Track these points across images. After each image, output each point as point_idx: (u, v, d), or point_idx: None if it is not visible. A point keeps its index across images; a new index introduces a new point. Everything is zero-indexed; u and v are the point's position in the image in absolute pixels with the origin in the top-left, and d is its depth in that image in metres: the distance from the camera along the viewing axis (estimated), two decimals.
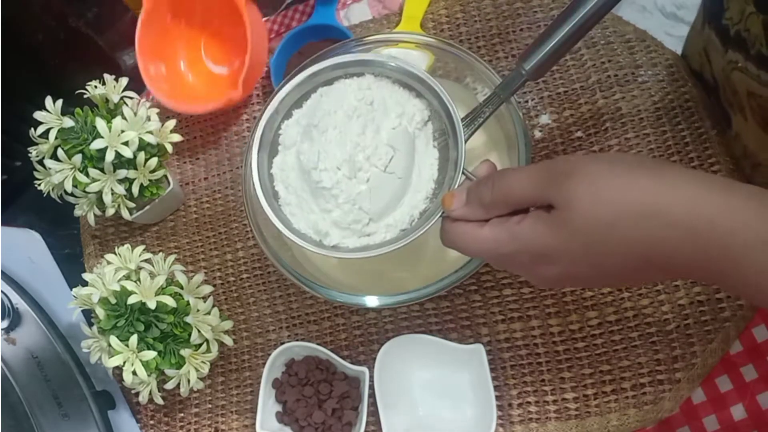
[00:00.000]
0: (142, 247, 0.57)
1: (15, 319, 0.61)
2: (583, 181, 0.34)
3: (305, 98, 0.49)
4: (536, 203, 0.37)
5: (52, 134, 0.56)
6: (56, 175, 0.57)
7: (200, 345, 0.55)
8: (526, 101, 0.63)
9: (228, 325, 0.58)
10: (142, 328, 0.52)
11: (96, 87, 0.59)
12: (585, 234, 0.34)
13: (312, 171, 0.45)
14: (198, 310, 0.55)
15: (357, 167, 0.45)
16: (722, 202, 0.31)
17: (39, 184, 0.60)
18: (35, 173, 0.60)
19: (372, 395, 0.56)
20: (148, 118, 0.59)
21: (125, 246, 0.57)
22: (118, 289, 0.53)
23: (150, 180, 0.60)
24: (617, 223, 0.33)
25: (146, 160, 0.58)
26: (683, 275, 0.34)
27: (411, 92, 0.48)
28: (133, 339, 0.52)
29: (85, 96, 0.60)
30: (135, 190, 0.59)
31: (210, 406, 0.63)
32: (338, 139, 0.45)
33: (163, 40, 0.69)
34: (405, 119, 0.47)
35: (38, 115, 0.57)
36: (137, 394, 0.56)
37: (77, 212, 0.61)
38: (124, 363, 0.52)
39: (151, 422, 0.64)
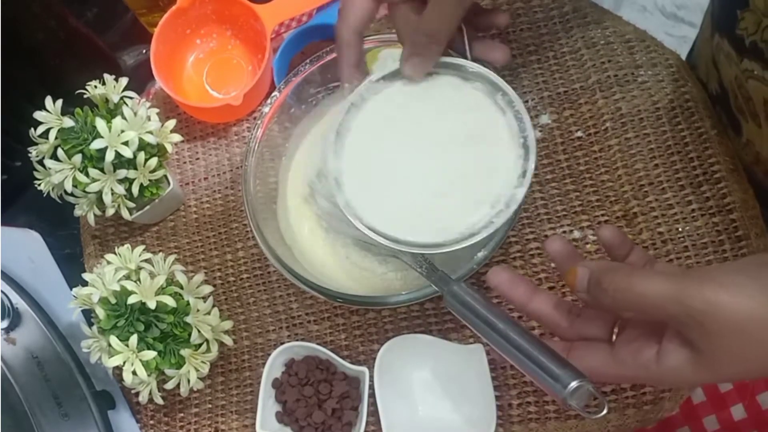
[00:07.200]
0: (142, 247, 0.57)
1: (15, 319, 0.61)
2: (731, 333, 0.33)
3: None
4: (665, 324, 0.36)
5: (52, 134, 0.56)
6: (56, 175, 0.57)
7: (200, 345, 0.55)
8: (526, 101, 0.62)
9: (228, 325, 0.58)
10: (142, 328, 0.52)
11: (96, 87, 0.59)
12: (735, 371, 0.34)
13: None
14: (198, 310, 0.55)
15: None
16: None
17: (39, 184, 0.60)
18: (35, 173, 0.59)
19: (372, 395, 0.56)
20: (148, 118, 0.59)
21: (125, 246, 0.57)
22: (118, 289, 0.53)
23: (150, 180, 0.60)
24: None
25: (146, 160, 0.58)
26: None
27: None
28: (133, 339, 0.52)
29: (85, 96, 0.59)
30: (135, 190, 0.59)
31: (210, 406, 0.63)
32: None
33: (178, 47, 0.70)
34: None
35: (38, 115, 0.57)
36: (137, 394, 0.56)
37: (77, 212, 0.61)
38: (124, 363, 0.52)
39: (151, 422, 0.64)
